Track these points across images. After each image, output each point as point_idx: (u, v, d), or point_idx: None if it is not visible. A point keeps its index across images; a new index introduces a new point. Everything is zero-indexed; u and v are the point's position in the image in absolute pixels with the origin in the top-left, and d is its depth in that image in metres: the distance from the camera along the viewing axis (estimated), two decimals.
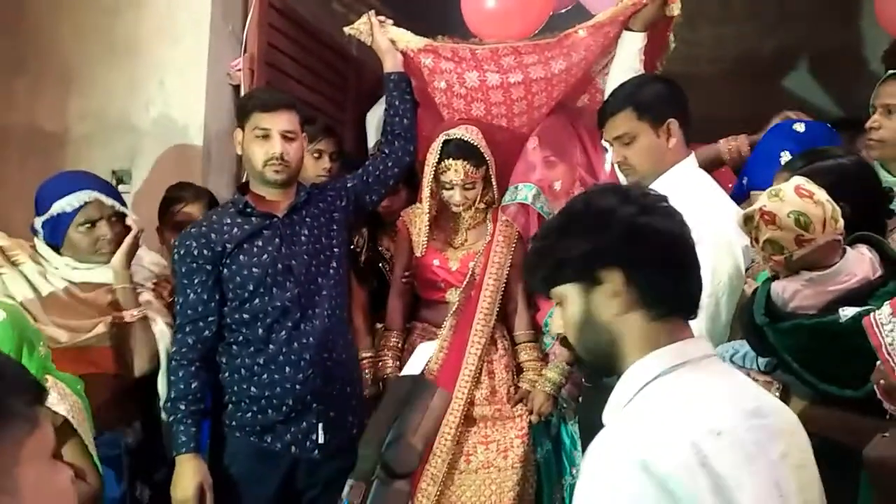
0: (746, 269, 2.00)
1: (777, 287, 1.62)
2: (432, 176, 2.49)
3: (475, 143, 2.48)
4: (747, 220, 1.61)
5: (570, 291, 1.14)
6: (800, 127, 2.24)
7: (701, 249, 1.88)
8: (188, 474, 1.97)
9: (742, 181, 2.31)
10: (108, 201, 2.16)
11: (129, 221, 2.19)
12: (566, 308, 1.15)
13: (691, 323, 1.88)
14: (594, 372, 1.69)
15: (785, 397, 1.59)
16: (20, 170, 2.18)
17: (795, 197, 1.53)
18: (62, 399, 1.75)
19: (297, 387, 2.07)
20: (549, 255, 1.16)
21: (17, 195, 2.17)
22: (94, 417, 2.02)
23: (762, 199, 1.59)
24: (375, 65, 2.65)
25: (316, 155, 2.63)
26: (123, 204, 2.25)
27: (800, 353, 1.56)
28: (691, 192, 2.05)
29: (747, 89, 3.87)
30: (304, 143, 2.26)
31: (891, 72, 2.18)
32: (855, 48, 3.87)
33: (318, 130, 2.64)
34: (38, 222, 2.15)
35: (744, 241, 1.98)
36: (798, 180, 1.58)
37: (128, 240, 2.15)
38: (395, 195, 2.72)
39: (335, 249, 2.23)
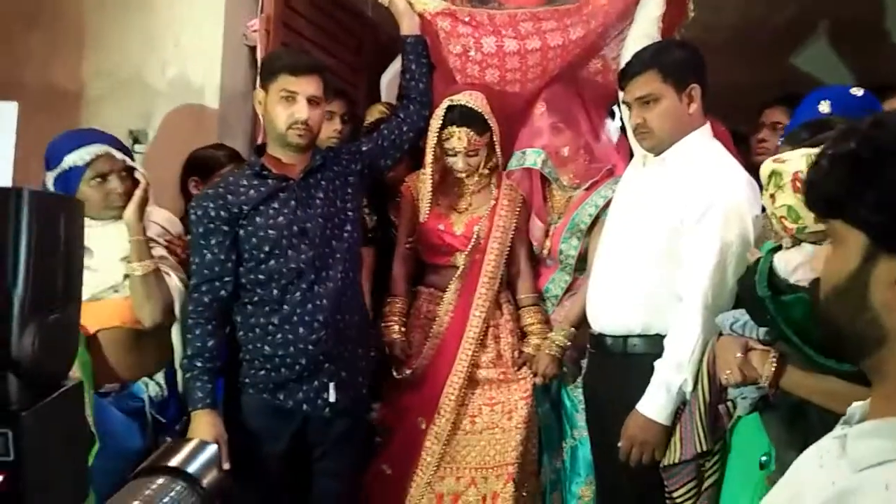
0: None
1: (779, 259, 1.62)
2: (435, 142, 2.50)
3: (479, 110, 2.48)
4: (773, 175, 1.58)
5: (851, 239, 0.81)
6: (857, 91, 2.20)
7: (710, 216, 1.95)
8: (204, 429, 2.03)
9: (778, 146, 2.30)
10: (119, 155, 2.18)
11: (137, 175, 2.21)
12: (835, 254, 0.85)
13: (694, 288, 1.94)
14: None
15: (782, 367, 1.61)
16: (34, 127, 2.18)
17: None
18: None
19: (310, 347, 2.11)
20: (856, 176, 0.81)
21: (31, 152, 2.17)
22: (113, 370, 2.10)
23: (798, 162, 1.55)
24: (391, 27, 2.64)
25: (327, 116, 2.62)
26: (133, 160, 2.26)
27: (800, 326, 1.56)
28: (706, 160, 2.08)
29: (763, 58, 3.83)
30: (325, 108, 2.27)
31: None
32: (873, 17, 3.80)
33: (329, 92, 2.63)
34: (50, 178, 2.15)
35: (755, 210, 2.00)
36: None
37: (138, 192, 2.16)
38: (400, 162, 2.72)
39: (349, 213, 2.25)
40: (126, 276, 2.15)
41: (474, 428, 2.48)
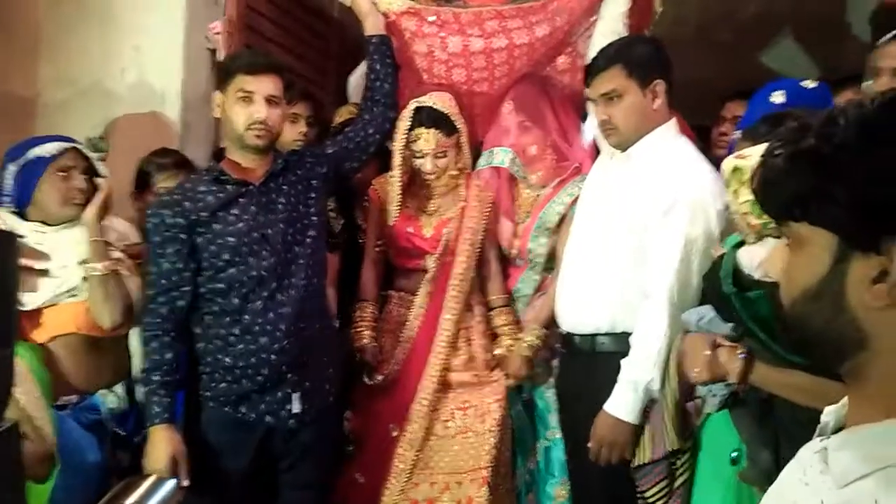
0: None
1: (743, 255, 1.62)
2: (403, 143, 2.47)
3: (446, 111, 2.46)
4: (735, 171, 1.57)
5: (818, 239, 0.77)
6: (809, 83, 2.21)
7: (675, 211, 1.94)
8: (161, 445, 1.96)
9: (735, 136, 2.30)
10: (85, 153, 2.20)
11: (99, 181, 2.20)
12: (800, 257, 0.80)
13: (660, 285, 1.93)
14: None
15: (750, 363, 1.60)
16: None
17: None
18: None
19: (273, 357, 2.06)
20: (819, 175, 0.76)
21: None
22: (70, 381, 2.07)
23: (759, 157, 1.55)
24: (357, 27, 2.60)
25: (291, 119, 2.59)
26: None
27: (766, 322, 1.55)
28: (671, 155, 2.08)
29: (728, 53, 3.85)
30: (285, 109, 2.23)
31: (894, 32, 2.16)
32: (835, 11, 3.84)
33: (294, 94, 2.60)
34: (11, 170, 2.13)
35: (719, 205, 2.00)
36: None
37: (99, 194, 2.15)
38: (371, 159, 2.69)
39: (313, 218, 2.20)
40: (84, 279, 2.13)
41: (447, 432, 2.45)
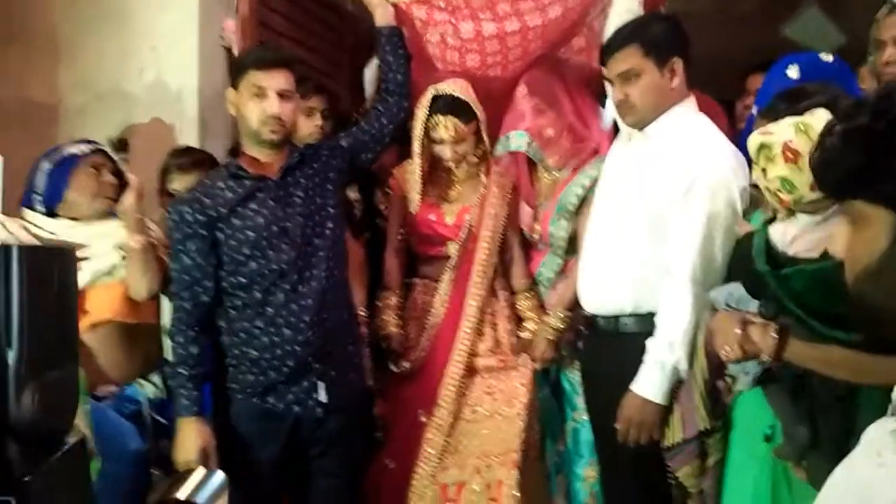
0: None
1: (776, 232, 1.60)
2: (422, 132, 2.47)
3: (465, 98, 2.45)
4: (762, 148, 1.55)
5: (876, 216, 0.78)
6: (827, 57, 2.21)
7: (696, 189, 1.92)
8: (191, 437, 2.00)
9: (753, 112, 2.28)
10: (114, 155, 2.33)
11: (129, 176, 2.31)
12: (860, 235, 0.81)
13: (683, 263, 1.91)
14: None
15: (784, 340, 1.58)
16: (13, 143, 2.21)
17: None
18: None
19: (297, 348, 2.08)
20: (873, 151, 0.77)
21: (9, 168, 2.18)
22: (106, 371, 2.16)
23: (787, 132, 1.52)
24: (370, 19, 2.59)
25: (307, 112, 2.60)
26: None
27: (803, 298, 1.54)
28: (690, 133, 2.05)
29: (748, 26, 3.79)
30: (299, 102, 2.24)
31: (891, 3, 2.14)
32: None
33: (308, 88, 2.61)
34: (45, 166, 2.23)
35: (742, 182, 1.97)
36: (827, 118, 1.49)
37: (133, 185, 2.26)
38: (386, 151, 2.68)
39: (330, 210, 2.21)
40: (123, 258, 2.23)
41: (475, 417, 2.46)
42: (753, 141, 1.58)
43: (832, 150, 0.82)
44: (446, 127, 2.44)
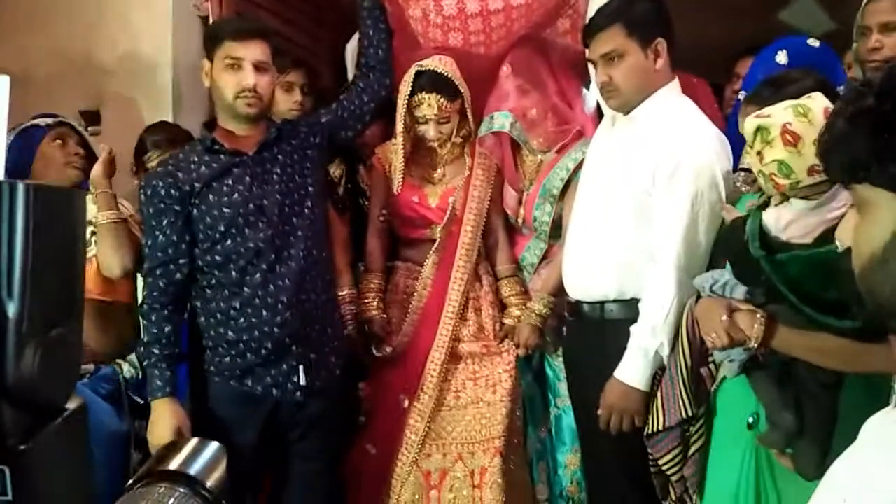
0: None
1: (769, 217, 1.58)
2: (405, 109, 2.41)
3: (449, 76, 2.40)
4: (759, 131, 1.52)
5: (882, 201, 0.77)
6: (813, 42, 2.22)
7: (680, 174, 1.89)
8: (164, 418, 1.96)
9: (739, 97, 2.27)
10: (79, 128, 2.29)
11: (100, 147, 2.27)
12: (866, 221, 0.80)
13: (666, 249, 1.88)
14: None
15: (771, 327, 1.56)
16: None
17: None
18: None
19: (275, 329, 2.03)
20: (879, 134, 0.75)
21: None
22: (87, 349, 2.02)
23: (785, 115, 1.50)
24: None
25: (286, 88, 2.54)
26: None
27: (797, 284, 1.52)
28: (674, 116, 2.02)
29: (737, 10, 3.76)
30: (276, 75, 2.18)
31: None
32: None
33: (288, 62, 2.54)
34: (9, 137, 2.15)
35: (726, 166, 1.95)
36: (825, 103, 1.50)
37: (104, 154, 2.20)
38: (368, 127, 2.62)
39: (309, 188, 2.16)
40: (93, 235, 2.17)
41: (459, 403, 2.43)
42: (750, 124, 1.55)
43: (837, 132, 0.80)
44: (430, 104, 2.38)
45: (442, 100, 2.39)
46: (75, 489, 0.92)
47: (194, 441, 1.08)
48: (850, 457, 0.82)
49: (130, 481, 0.95)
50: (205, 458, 1.03)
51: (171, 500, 0.94)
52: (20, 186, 0.75)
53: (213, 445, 1.06)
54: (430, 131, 2.42)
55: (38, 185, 0.72)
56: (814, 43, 2.23)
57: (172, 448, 1.04)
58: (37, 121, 2.25)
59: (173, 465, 0.99)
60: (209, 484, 0.98)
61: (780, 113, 1.51)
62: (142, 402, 2.19)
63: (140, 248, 2.14)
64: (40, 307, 0.78)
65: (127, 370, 2.22)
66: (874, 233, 0.77)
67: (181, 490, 0.96)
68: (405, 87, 2.40)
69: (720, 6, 3.63)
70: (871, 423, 0.81)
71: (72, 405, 0.89)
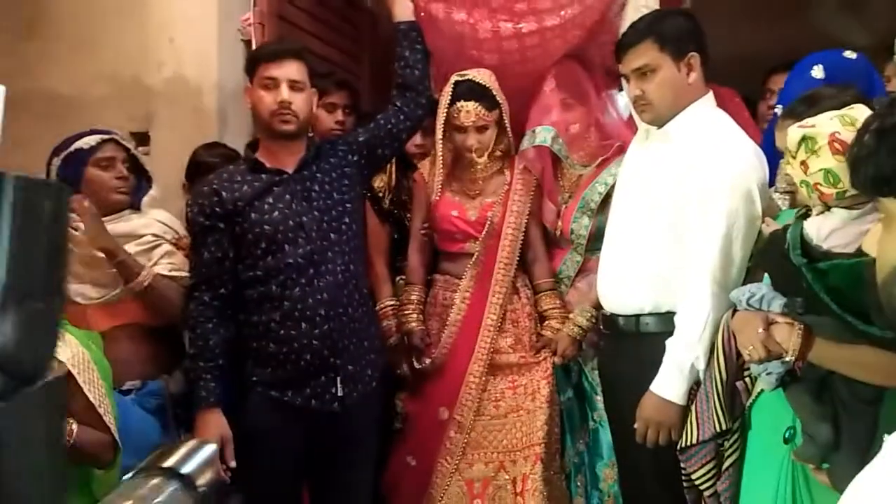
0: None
1: (811, 226, 1.57)
2: (444, 119, 2.46)
3: (487, 85, 2.45)
4: (804, 141, 1.52)
5: None
6: (850, 54, 2.18)
7: (717, 188, 1.89)
8: (208, 428, 2.01)
9: (776, 111, 2.26)
10: (125, 143, 2.25)
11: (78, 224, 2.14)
12: (890, 233, 0.83)
13: (702, 262, 1.88)
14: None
15: (808, 339, 1.55)
16: (37, 136, 2.21)
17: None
18: (64, 349, 1.81)
19: (314, 342, 2.08)
20: None
21: (35, 162, 2.20)
22: (131, 368, 2.13)
23: (832, 124, 1.49)
24: (390, 15, 2.57)
25: (328, 108, 2.61)
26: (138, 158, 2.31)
27: (839, 293, 1.50)
28: (709, 130, 2.01)
29: (767, 25, 3.75)
30: (314, 95, 2.24)
31: None
32: None
33: (330, 83, 2.61)
34: (57, 161, 2.19)
35: (761, 179, 1.94)
36: (866, 111, 1.49)
37: (88, 212, 2.09)
38: (431, 135, 2.67)
39: (347, 205, 2.21)
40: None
41: (498, 412, 2.46)
42: (794, 133, 1.54)
43: (867, 147, 0.82)
44: (468, 112, 2.43)
45: (480, 108, 2.43)
46: (49, 452, 0.98)
47: (192, 442, 1.15)
48: (874, 469, 0.82)
49: (128, 475, 1.02)
50: (199, 459, 1.10)
51: (164, 494, 1.00)
52: (9, 177, 0.84)
53: (209, 448, 1.12)
54: (468, 140, 2.46)
55: (25, 176, 0.80)
56: (850, 55, 2.19)
57: (170, 448, 1.12)
58: (80, 143, 2.20)
59: (169, 462, 1.06)
60: (201, 483, 1.05)
61: (826, 122, 1.50)
62: (184, 415, 2.22)
63: (173, 301, 2.18)
64: (22, 280, 0.86)
65: (173, 385, 2.26)
66: None
67: (174, 485, 1.03)
68: (445, 98, 2.46)
69: (755, 18, 3.62)
70: (894, 437, 0.81)
71: (51, 376, 0.96)
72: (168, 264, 2.24)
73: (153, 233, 2.26)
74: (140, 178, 2.31)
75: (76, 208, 2.07)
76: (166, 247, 2.26)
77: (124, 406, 2.05)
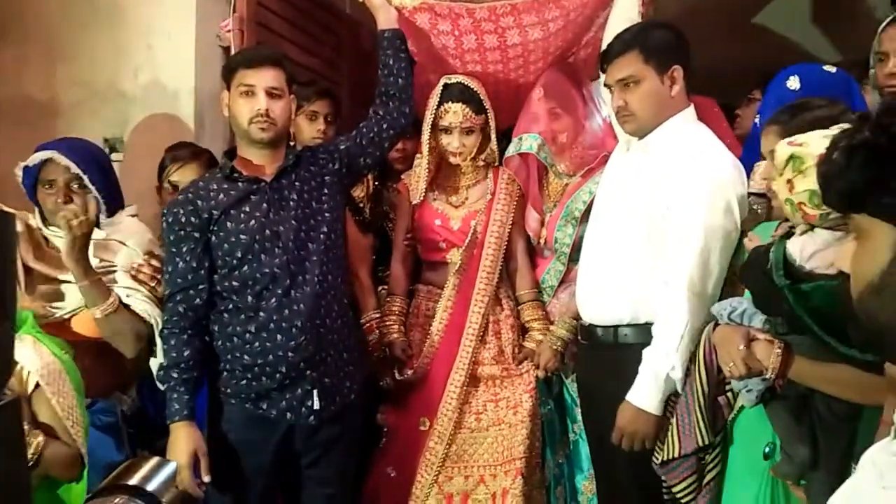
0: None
1: (794, 246, 1.57)
2: (431, 121, 2.46)
3: (475, 89, 2.46)
4: (792, 160, 1.50)
5: (878, 231, 0.79)
6: (829, 68, 2.20)
7: (695, 200, 1.89)
8: (182, 441, 1.97)
9: (756, 121, 2.27)
10: (63, 161, 2.11)
11: (89, 199, 2.12)
12: (863, 249, 0.82)
13: (679, 273, 1.88)
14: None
15: (788, 357, 1.55)
16: (11, 141, 2.17)
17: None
18: (35, 359, 1.78)
19: (290, 354, 2.04)
20: (875, 165, 0.77)
21: (9, 168, 2.16)
22: (91, 383, 2.04)
23: (820, 144, 1.45)
24: (371, 24, 2.56)
25: (310, 117, 2.59)
26: (110, 168, 2.24)
27: (820, 315, 1.50)
28: (690, 142, 2.03)
29: (744, 38, 3.79)
30: (293, 102, 2.20)
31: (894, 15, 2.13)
32: None
33: (312, 91, 2.59)
34: (19, 174, 2.14)
35: (741, 191, 1.95)
36: None
37: (71, 234, 2.00)
38: (411, 139, 2.68)
39: (326, 214, 2.17)
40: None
41: (480, 425, 2.44)
42: (783, 151, 1.54)
43: (836, 164, 0.82)
44: (455, 112, 2.44)
45: (467, 110, 2.44)
46: (8, 474, 0.96)
47: (154, 460, 1.13)
48: (850, 487, 0.82)
49: (90, 494, 1.00)
50: (162, 477, 1.08)
51: None
52: None
53: (171, 466, 1.10)
54: (453, 142, 2.46)
55: None
56: (829, 69, 2.22)
57: (133, 466, 1.09)
58: (30, 159, 2.12)
59: (133, 480, 1.04)
60: (164, 501, 1.04)
61: (816, 142, 1.49)
62: (138, 433, 2.20)
63: (140, 326, 2.12)
64: None
65: (126, 402, 2.21)
66: (870, 261, 0.79)
67: (140, 502, 1.01)
68: (433, 100, 2.47)
69: (733, 30, 3.66)
70: (869, 454, 0.81)
71: (5, 399, 0.94)
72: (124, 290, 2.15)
73: (105, 258, 2.17)
74: (109, 197, 2.20)
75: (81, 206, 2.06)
76: (125, 280, 2.17)
77: None
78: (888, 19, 2.21)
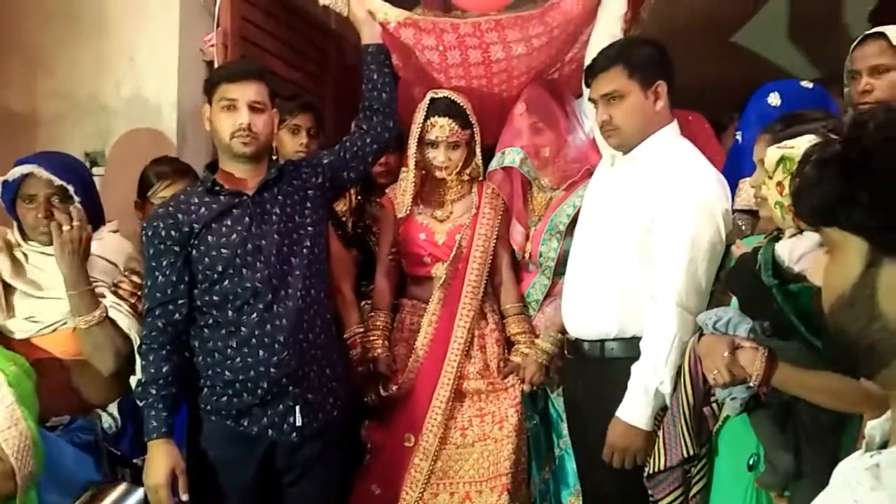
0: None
1: (783, 248, 1.58)
2: (417, 135, 2.47)
3: (462, 104, 2.47)
4: (783, 161, 1.52)
5: (849, 245, 0.78)
6: (807, 84, 2.25)
7: (681, 214, 1.91)
8: (160, 459, 1.93)
9: (737, 137, 2.31)
10: (45, 175, 2.09)
11: (72, 209, 2.09)
12: (835, 262, 0.82)
13: (667, 287, 1.89)
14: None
15: (772, 364, 1.56)
16: None
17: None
18: None
19: (272, 370, 2.01)
20: (846, 179, 0.77)
21: None
22: (62, 400, 2.04)
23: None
24: (356, 38, 2.55)
25: (293, 130, 2.58)
26: (90, 182, 2.21)
27: (808, 316, 1.52)
28: (674, 157, 2.05)
29: (725, 54, 3.84)
30: (275, 116, 2.19)
31: (867, 32, 2.20)
32: (836, 10, 3.84)
33: (294, 105, 2.59)
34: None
35: (725, 205, 1.97)
36: None
37: (67, 242, 2.02)
38: (395, 154, 2.68)
39: (309, 228, 2.15)
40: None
41: (465, 441, 2.42)
42: (773, 154, 1.56)
43: (808, 177, 0.83)
44: (442, 126, 2.45)
45: (454, 124, 2.45)
46: None
47: (121, 487, 1.10)
48: (821, 501, 0.82)
49: None
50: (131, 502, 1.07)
51: None
52: None
53: (138, 492, 1.09)
54: (439, 156, 2.46)
55: None
56: (807, 84, 2.27)
57: (99, 495, 1.07)
58: (9, 174, 2.09)
59: None
60: None
61: (802, 145, 1.51)
62: (118, 453, 2.15)
63: (121, 342, 2.11)
64: None
65: (105, 420, 2.17)
66: (842, 274, 0.79)
67: None
68: (419, 114, 2.47)
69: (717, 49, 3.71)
70: (840, 468, 0.81)
71: None
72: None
73: (94, 276, 2.14)
74: (91, 212, 2.18)
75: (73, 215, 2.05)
76: (107, 298, 2.14)
77: (50, 442, 1.95)
78: (858, 38, 2.26)
